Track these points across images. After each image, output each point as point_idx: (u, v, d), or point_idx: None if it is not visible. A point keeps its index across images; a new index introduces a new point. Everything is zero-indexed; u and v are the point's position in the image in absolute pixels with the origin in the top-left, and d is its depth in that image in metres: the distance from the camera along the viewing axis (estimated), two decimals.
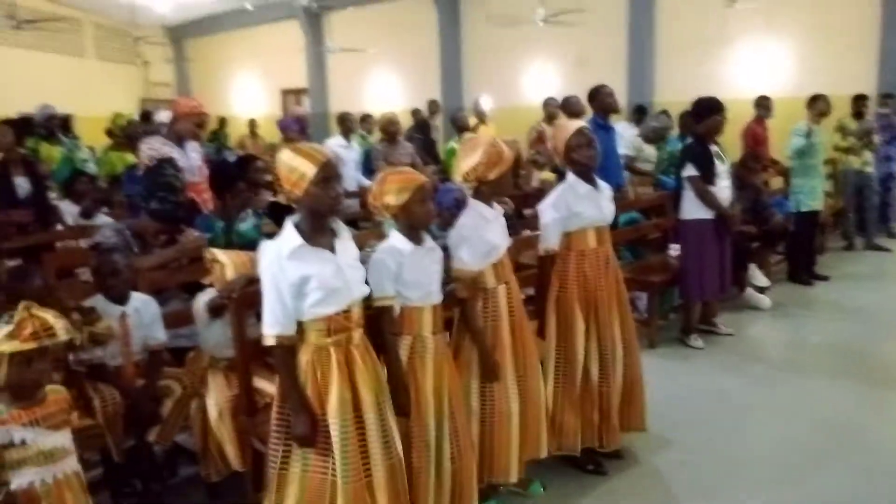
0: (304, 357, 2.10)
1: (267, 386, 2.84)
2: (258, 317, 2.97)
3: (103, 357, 2.81)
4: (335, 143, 6.47)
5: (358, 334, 2.15)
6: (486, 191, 2.69)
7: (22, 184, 4.81)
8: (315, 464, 2.11)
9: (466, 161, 2.67)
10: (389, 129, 6.08)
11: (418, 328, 2.39)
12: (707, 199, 4.44)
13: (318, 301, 2.03)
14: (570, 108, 6.20)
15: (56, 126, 6.26)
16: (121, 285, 2.89)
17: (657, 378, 3.27)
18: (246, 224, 3.72)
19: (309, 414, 2.06)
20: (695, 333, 4.73)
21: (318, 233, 2.08)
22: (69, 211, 5.01)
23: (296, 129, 7.20)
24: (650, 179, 6.34)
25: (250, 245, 3.41)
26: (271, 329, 2.06)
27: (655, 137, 6.50)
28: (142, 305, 2.94)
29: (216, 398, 2.83)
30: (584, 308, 3.00)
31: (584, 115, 5.58)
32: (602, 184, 3.12)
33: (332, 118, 9.64)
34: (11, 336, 1.87)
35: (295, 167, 2.02)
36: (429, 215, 2.40)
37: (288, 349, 2.09)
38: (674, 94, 9.25)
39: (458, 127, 7.10)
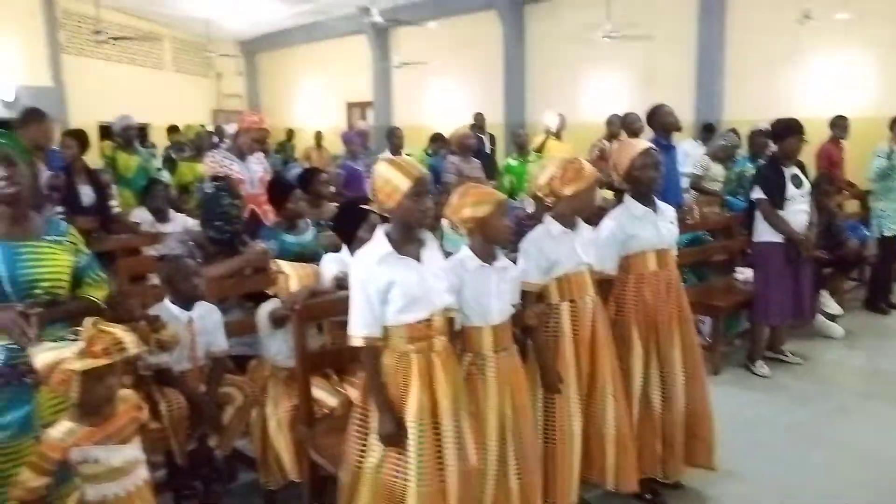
0: (387, 361, 2.17)
1: (326, 397, 2.89)
2: (319, 329, 3.05)
3: (169, 362, 2.90)
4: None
5: (440, 342, 2.19)
6: (562, 207, 2.68)
7: (86, 192, 5.01)
8: (389, 466, 2.15)
9: (542, 175, 2.70)
10: (465, 142, 6.14)
11: (478, 346, 2.39)
12: (774, 223, 4.31)
13: (400, 308, 2.12)
14: (628, 125, 6.10)
15: (133, 136, 6.51)
16: (192, 290, 2.96)
17: (720, 405, 3.18)
18: (303, 236, 3.82)
19: (393, 414, 2.13)
20: (761, 361, 4.57)
21: (406, 242, 2.18)
22: (144, 218, 5.22)
23: (358, 142, 7.34)
24: (717, 199, 6.18)
25: (310, 256, 3.51)
26: (359, 330, 2.15)
27: (723, 156, 6.34)
28: (205, 313, 3.02)
29: (275, 407, 2.89)
30: (643, 332, 2.92)
31: (643, 134, 5.50)
32: (663, 206, 3.04)
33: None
34: (83, 354, 1.88)
35: (390, 179, 2.12)
36: (506, 231, 2.42)
37: (374, 350, 2.17)
38: (743, 112, 9.02)
39: (518, 144, 7.07)
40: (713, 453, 3.06)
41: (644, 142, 3.11)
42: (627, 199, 2.99)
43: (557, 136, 7.51)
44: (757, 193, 4.38)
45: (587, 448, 2.73)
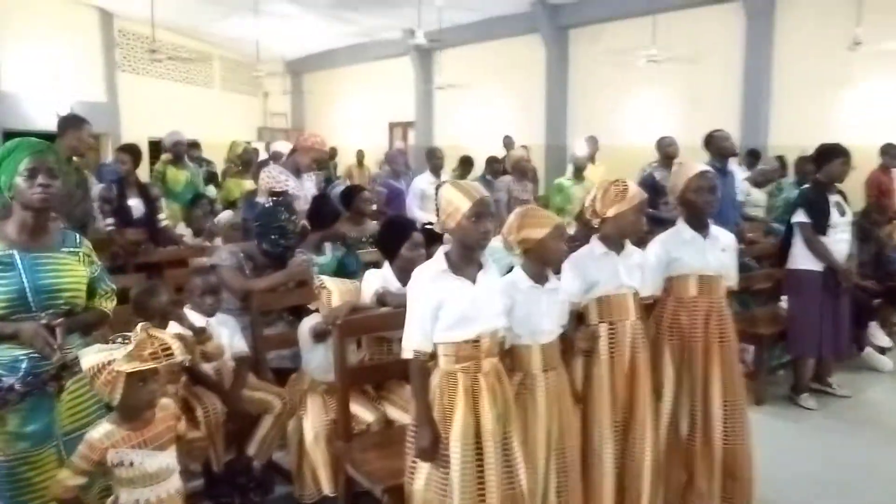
0: (434, 380, 2.20)
1: (363, 413, 2.91)
2: (358, 344, 3.09)
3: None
4: (425, 181, 6.52)
5: (488, 363, 2.21)
6: (607, 229, 2.68)
7: (136, 205, 5.16)
8: (436, 483, 2.17)
9: (587, 197, 2.72)
10: (521, 165, 6.22)
11: (527, 365, 2.39)
12: (816, 249, 4.18)
13: (447, 326, 2.15)
14: (663, 149, 6.05)
15: (183, 151, 6.69)
16: (217, 304, 3.10)
17: (762, 437, 3.09)
18: (323, 256, 3.93)
19: (432, 429, 2.15)
20: (807, 393, 4.44)
21: (463, 262, 2.22)
22: (190, 232, 5.35)
23: (401, 161, 7.42)
24: (759, 225, 6.09)
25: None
26: (410, 343, 2.19)
27: (763, 182, 6.27)
28: (224, 320, 3.14)
29: (313, 421, 2.92)
30: (676, 356, 2.88)
31: (677, 159, 5.46)
32: (717, 232, 2.98)
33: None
34: (131, 357, 1.93)
35: (452, 200, 2.18)
36: (561, 254, 2.45)
37: (422, 364, 2.20)
38: (790, 138, 8.86)
39: (576, 167, 7.08)
40: (752, 495, 2.94)
41: (701, 164, 3.06)
42: (679, 222, 2.97)
43: (590, 160, 7.50)
44: (800, 217, 4.25)
45: (622, 475, 2.67)
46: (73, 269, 2.25)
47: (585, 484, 2.61)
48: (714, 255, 2.93)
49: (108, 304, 2.41)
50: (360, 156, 11.80)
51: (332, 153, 13.11)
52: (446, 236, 2.28)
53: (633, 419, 2.66)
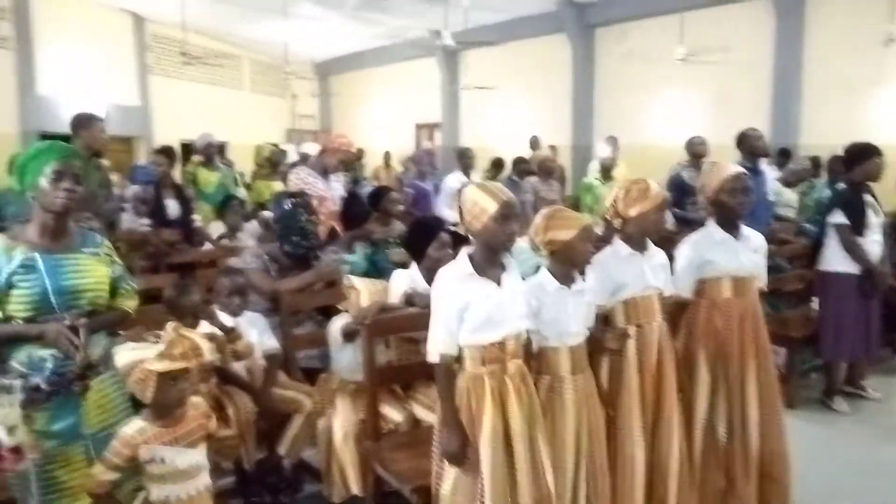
0: (461, 384, 2.19)
1: (392, 412, 2.93)
2: (386, 344, 3.11)
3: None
4: (456, 180, 6.55)
5: (514, 365, 2.21)
6: (630, 229, 2.66)
7: (172, 206, 5.27)
8: (464, 487, 2.17)
9: (609, 196, 2.71)
10: (545, 166, 6.21)
11: (555, 368, 2.39)
12: (854, 251, 4.11)
13: (474, 328, 2.15)
14: (692, 148, 5.99)
15: (214, 153, 6.80)
16: (244, 304, 3.14)
17: (794, 442, 3.04)
18: (352, 255, 3.99)
19: (460, 433, 2.15)
20: (839, 396, 4.38)
21: (488, 264, 2.21)
22: (221, 232, 5.43)
23: (427, 161, 7.45)
24: (791, 226, 6.00)
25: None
26: (436, 347, 2.18)
27: (794, 181, 6.17)
28: (253, 319, 3.17)
29: (342, 420, 2.94)
30: (711, 360, 2.85)
31: (705, 158, 5.40)
32: (747, 233, 2.95)
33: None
34: (162, 356, 1.97)
35: (477, 202, 2.16)
36: (588, 255, 2.45)
37: (448, 368, 2.20)
38: (821, 137, 8.71)
39: (604, 167, 7.06)
40: (789, 496, 2.93)
41: (734, 165, 3.02)
42: (709, 223, 2.94)
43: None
44: (837, 218, 4.17)
45: (650, 479, 2.65)
46: (95, 269, 2.29)
47: (614, 490, 2.59)
48: (747, 255, 2.91)
49: (130, 303, 2.44)
50: (387, 157, 11.86)
51: (360, 154, 13.21)
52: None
53: (660, 418, 2.64)
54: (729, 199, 2.85)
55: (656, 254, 2.72)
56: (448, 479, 2.20)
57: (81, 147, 4.14)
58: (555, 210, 2.45)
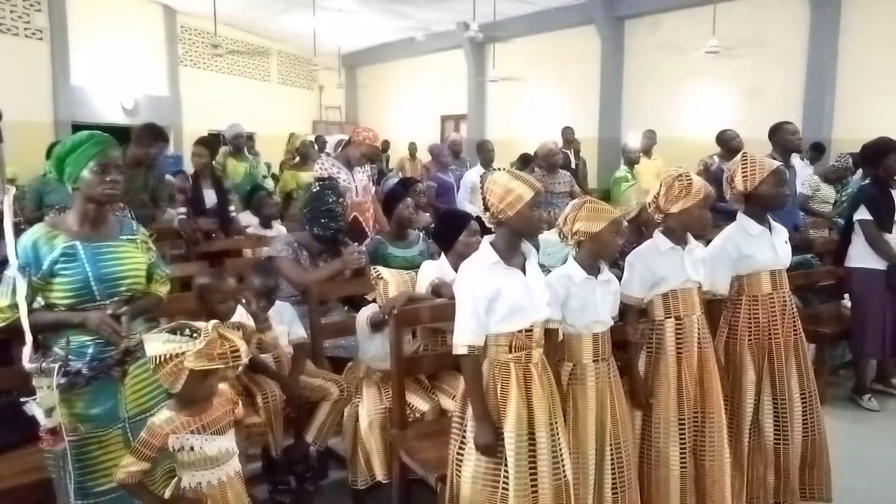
0: (485, 372, 2.19)
1: (418, 401, 2.95)
2: (413, 334, 3.13)
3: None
4: (476, 174, 6.51)
5: (538, 353, 2.22)
6: (672, 224, 2.64)
7: (210, 196, 5.35)
8: (486, 475, 2.17)
9: (651, 192, 2.69)
10: (550, 158, 6.14)
11: (578, 355, 2.40)
12: (880, 247, 4.05)
13: (503, 317, 2.15)
14: (725, 142, 5.91)
15: (242, 143, 6.86)
16: (269, 306, 3.10)
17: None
18: (409, 250, 3.97)
19: (492, 423, 2.15)
20: (869, 394, 4.32)
21: (511, 253, 2.22)
22: (249, 222, 5.50)
23: (447, 153, 7.42)
24: (825, 222, 5.90)
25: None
26: (463, 339, 2.16)
27: (834, 178, 6.06)
28: (281, 308, 3.19)
29: (368, 408, 2.96)
30: (756, 357, 2.83)
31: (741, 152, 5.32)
32: (776, 226, 2.94)
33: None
34: (200, 354, 1.95)
35: (513, 189, 2.15)
36: (616, 248, 2.44)
37: (476, 359, 2.19)
38: (854, 131, 8.52)
39: (629, 160, 7.01)
40: (830, 484, 2.92)
41: (776, 161, 2.99)
42: (742, 217, 2.91)
43: (646, 154, 7.38)
44: (862, 214, 4.11)
45: (699, 477, 2.62)
46: (133, 256, 2.33)
47: (648, 485, 2.59)
48: (781, 247, 2.90)
49: (163, 289, 2.50)
50: (413, 148, 11.86)
51: (385, 146, 13.24)
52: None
53: (706, 413, 2.62)
54: (772, 191, 2.84)
55: (696, 247, 2.70)
56: (468, 465, 2.20)
57: (131, 155, 4.28)
58: (586, 201, 2.45)
